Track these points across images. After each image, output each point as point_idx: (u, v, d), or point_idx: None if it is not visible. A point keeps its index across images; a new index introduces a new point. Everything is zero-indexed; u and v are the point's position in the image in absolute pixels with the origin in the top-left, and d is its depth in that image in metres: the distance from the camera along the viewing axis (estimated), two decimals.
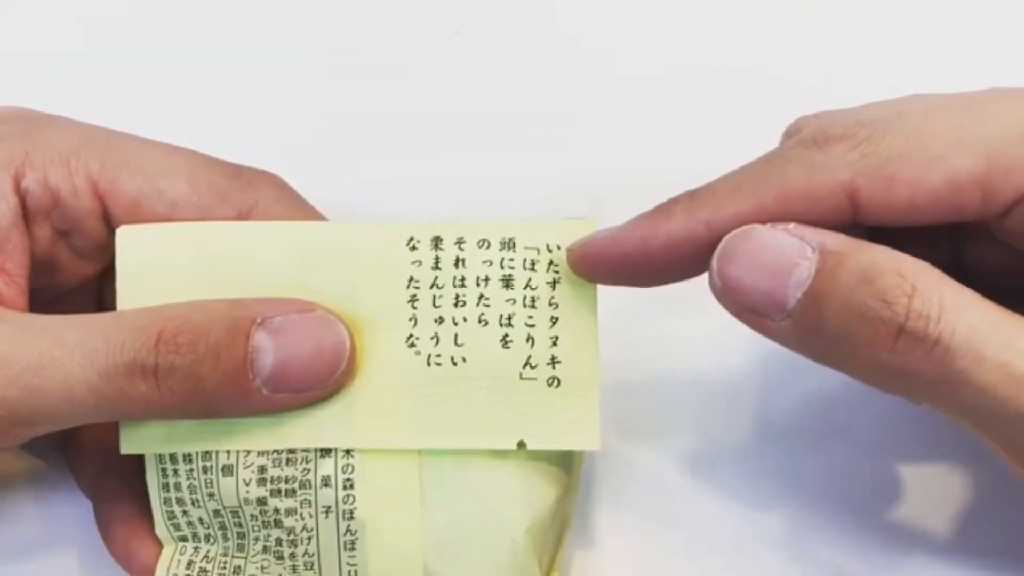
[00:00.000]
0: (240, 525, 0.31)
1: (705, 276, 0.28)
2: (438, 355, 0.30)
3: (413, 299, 0.30)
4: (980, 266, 0.31)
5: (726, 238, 0.27)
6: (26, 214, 0.31)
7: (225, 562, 0.31)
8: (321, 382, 0.29)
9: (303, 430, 0.30)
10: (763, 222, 0.26)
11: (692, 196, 0.28)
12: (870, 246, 0.26)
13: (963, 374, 0.24)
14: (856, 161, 0.26)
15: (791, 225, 0.26)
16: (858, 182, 0.26)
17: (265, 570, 0.31)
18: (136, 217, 0.31)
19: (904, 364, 0.25)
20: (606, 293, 0.30)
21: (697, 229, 0.27)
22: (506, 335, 0.30)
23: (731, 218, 0.27)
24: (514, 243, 0.30)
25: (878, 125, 0.26)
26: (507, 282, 0.30)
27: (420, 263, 0.30)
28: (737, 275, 0.26)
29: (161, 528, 0.31)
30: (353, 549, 0.30)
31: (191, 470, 0.30)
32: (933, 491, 0.35)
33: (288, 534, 0.30)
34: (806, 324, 0.26)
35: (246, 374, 0.28)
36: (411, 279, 0.30)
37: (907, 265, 0.25)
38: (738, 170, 0.27)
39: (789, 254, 0.26)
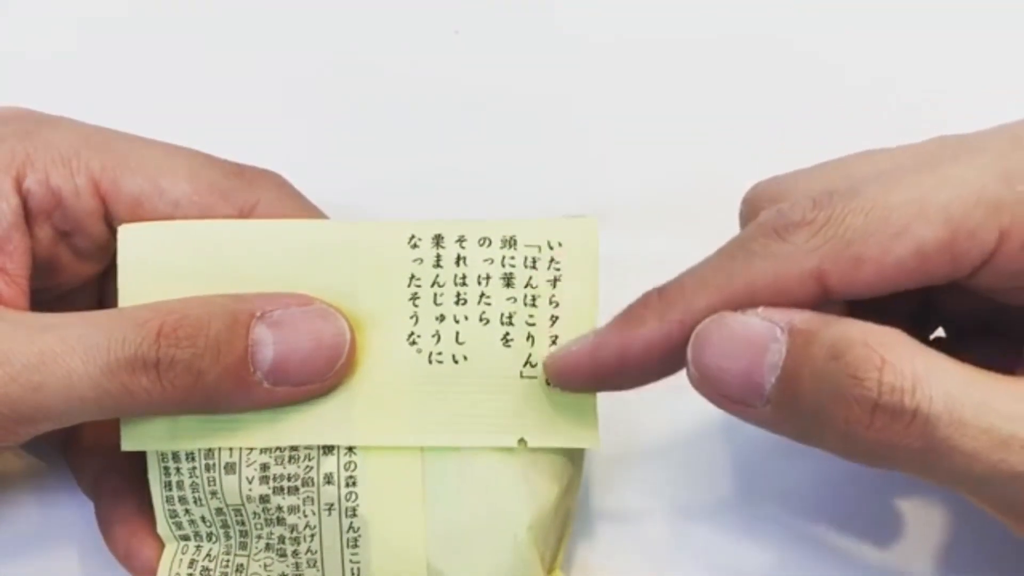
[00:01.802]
0: (243, 523, 0.31)
1: None
2: (439, 353, 0.30)
3: (414, 297, 0.30)
4: (948, 311, 0.31)
5: (698, 328, 0.26)
6: (28, 215, 0.31)
7: (228, 560, 0.31)
8: (321, 375, 0.29)
9: (305, 427, 0.30)
10: None
11: (661, 295, 0.27)
12: (838, 320, 0.25)
13: (947, 442, 0.24)
14: (821, 246, 0.25)
15: (760, 309, 0.26)
16: (825, 267, 0.25)
17: (268, 568, 0.31)
18: (137, 217, 0.31)
19: (885, 439, 0.24)
20: (607, 292, 0.30)
21: (671, 330, 0.27)
22: (507, 333, 0.30)
23: (703, 313, 0.27)
24: (515, 241, 0.30)
25: (836, 203, 0.26)
26: (508, 280, 0.30)
27: (421, 261, 0.30)
28: (712, 363, 0.26)
29: (163, 527, 0.31)
30: (356, 546, 0.30)
31: (193, 468, 0.30)
32: (924, 524, 0.35)
33: (291, 532, 0.30)
34: (783, 407, 0.25)
35: (246, 367, 0.28)
36: (412, 277, 0.30)
37: (875, 336, 0.25)
38: (703, 264, 0.27)
39: (760, 337, 0.26)
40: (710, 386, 0.27)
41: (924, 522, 0.35)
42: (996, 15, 0.42)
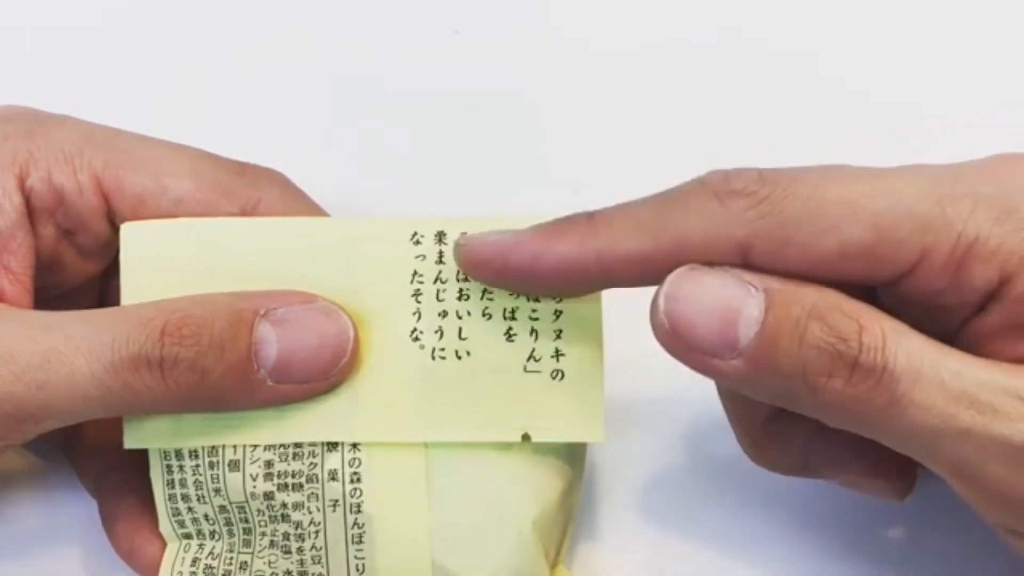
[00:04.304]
0: (246, 520, 0.31)
1: None
2: (442, 349, 0.30)
3: (417, 293, 0.30)
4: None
5: (670, 278, 0.27)
6: (31, 213, 0.31)
7: (231, 558, 0.31)
8: (325, 372, 0.29)
9: (309, 424, 0.30)
10: (658, 264, 0.27)
11: (590, 221, 0.27)
12: (809, 286, 0.26)
13: (906, 397, 0.25)
14: (753, 220, 0.26)
15: (726, 267, 0.27)
16: (752, 241, 0.26)
17: (272, 565, 0.31)
18: (140, 214, 0.31)
19: (856, 394, 0.25)
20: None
21: (587, 257, 0.27)
22: (510, 328, 0.30)
23: (625, 255, 0.27)
24: None
25: (780, 184, 0.26)
26: None
27: (424, 257, 0.30)
28: (686, 316, 0.26)
29: (165, 525, 0.31)
30: (361, 542, 0.30)
31: (197, 466, 0.30)
32: (925, 508, 0.35)
33: (295, 528, 0.30)
34: (759, 362, 0.26)
35: (250, 365, 0.28)
36: (415, 273, 0.30)
37: (846, 303, 0.26)
38: (638, 204, 0.27)
39: (736, 294, 0.26)
40: (679, 337, 0.27)
41: (921, 522, 0.35)
42: (996, 19, 0.42)
